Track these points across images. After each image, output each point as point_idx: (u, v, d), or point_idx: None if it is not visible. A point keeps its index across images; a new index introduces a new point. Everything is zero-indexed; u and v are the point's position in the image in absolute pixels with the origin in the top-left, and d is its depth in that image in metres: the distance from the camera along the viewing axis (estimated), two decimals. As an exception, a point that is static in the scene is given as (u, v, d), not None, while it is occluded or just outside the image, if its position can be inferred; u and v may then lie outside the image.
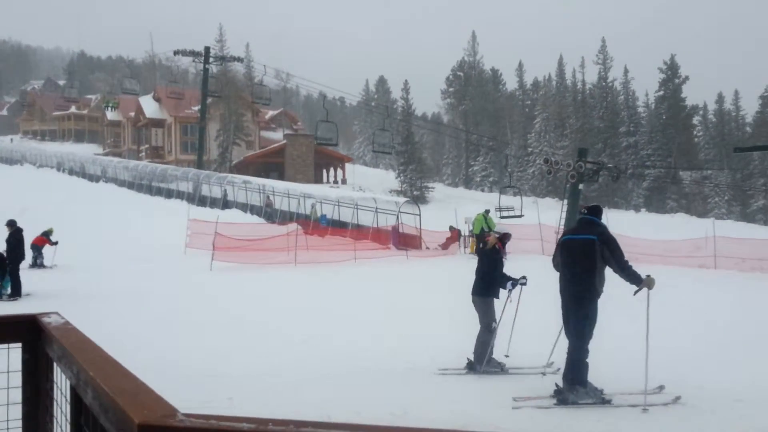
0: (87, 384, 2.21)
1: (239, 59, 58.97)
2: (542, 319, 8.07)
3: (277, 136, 68.30)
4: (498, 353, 7.70)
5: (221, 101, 60.33)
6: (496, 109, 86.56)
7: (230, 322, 10.48)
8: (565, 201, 25.71)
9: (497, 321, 7.80)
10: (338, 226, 30.98)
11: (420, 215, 27.87)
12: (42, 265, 19.19)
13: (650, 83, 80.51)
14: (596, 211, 6.85)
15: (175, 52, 53.43)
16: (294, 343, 8.97)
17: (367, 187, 54.31)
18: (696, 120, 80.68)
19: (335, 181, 61.42)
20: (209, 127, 58.22)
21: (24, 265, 17.85)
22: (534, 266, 20.30)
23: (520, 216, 24.95)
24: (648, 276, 6.38)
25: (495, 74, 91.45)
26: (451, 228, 26.63)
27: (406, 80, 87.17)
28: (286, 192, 36.67)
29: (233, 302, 12.99)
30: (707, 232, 21.23)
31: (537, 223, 24.44)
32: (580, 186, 25.58)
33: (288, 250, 20.84)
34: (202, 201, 41.76)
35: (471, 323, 9.77)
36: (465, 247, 26.09)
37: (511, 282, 7.87)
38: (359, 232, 28.55)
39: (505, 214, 24.73)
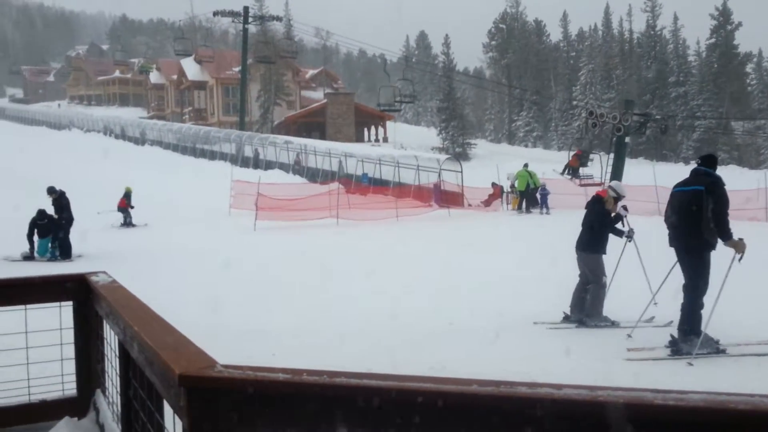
0: (133, 339, 2.31)
1: (278, 18, 58.74)
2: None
3: (318, 95, 68.12)
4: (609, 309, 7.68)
5: (262, 62, 60.31)
6: (540, 61, 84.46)
7: (274, 281, 10.67)
8: (611, 155, 25.19)
9: (607, 276, 7.73)
10: (380, 185, 30.99)
11: (462, 172, 27.66)
12: (131, 224, 20.27)
13: (701, 31, 77.24)
14: (710, 161, 6.59)
15: (215, 13, 53.53)
16: (335, 300, 9.09)
17: (408, 144, 54.01)
18: (749, 68, 77.43)
19: (376, 140, 61.23)
20: (250, 88, 58.41)
21: (116, 224, 19.90)
22: (577, 220, 20.13)
23: (601, 184, 23.40)
24: (741, 239, 6.20)
25: (539, 25, 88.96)
26: (494, 184, 26.39)
27: (446, 35, 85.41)
28: (327, 151, 36.75)
29: (277, 261, 13.19)
30: (759, 184, 20.59)
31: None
32: (627, 139, 25.00)
33: (330, 209, 20.99)
34: (244, 162, 42.18)
35: (512, 281, 9.76)
36: (507, 204, 25.86)
37: (626, 235, 7.71)
38: (401, 190, 28.52)
39: (586, 182, 23.74)
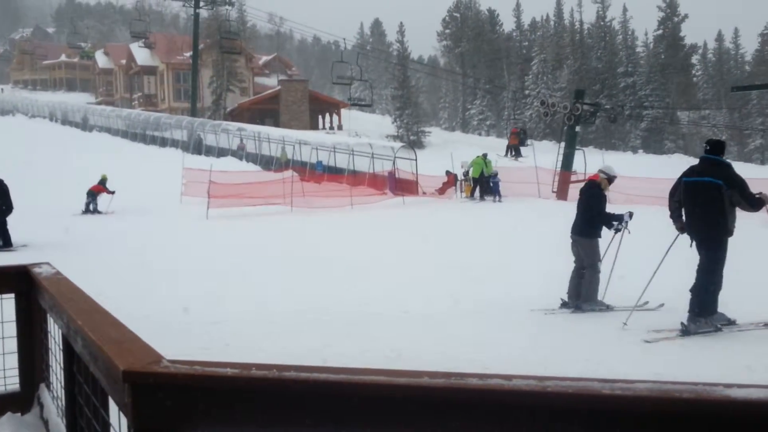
0: (77, 333, 2.23)
1: (231, 3, 57.72)
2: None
3: (272, 82, 67.41)
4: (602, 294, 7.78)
5: (214, 47, 59.24)
6: (493, 51, 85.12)
7: (227, 270, 10.54)
8: (562, 143, 25.58)
9: (602, 259, 7.81)
10: (334, 173, 30.87)
11: (416, 160, 27.76)
12: (96, 211, 20.01)
13: (649, 22, 79.15)
14: (719, 149, 6.63)
15: (165, -3, 52.26)
16: (291, 289, 9.04)
17: (363, 132, 53.89)
18: (695, 59, 79.62)
19: (331, 127, 60.92)
20: (202, 74, 57.40)
21: (77, 211, 19.57)
22: (529, 208, 20.50)
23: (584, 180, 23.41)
24: (761, 193, 6.45)
25: (492, 15, 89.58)
26: (448, 172, 26.55)
27: (401, 23, 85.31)
28: (281, 139, 36.41)
29: (230, 250, 13.03)
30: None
31: (533, 165, 24.34)
32: (577, 128, 25.41)
33: (284, 197, 20.83)
34: (196, 149, 41.49)
35: (466, 266, 9.85)
36: (461, 192, 26.07)
37: (618, 221, 7.75)
38: (355, 178, 28.48)
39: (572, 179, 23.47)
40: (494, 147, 43.51)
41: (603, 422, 1.24)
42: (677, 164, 27.79)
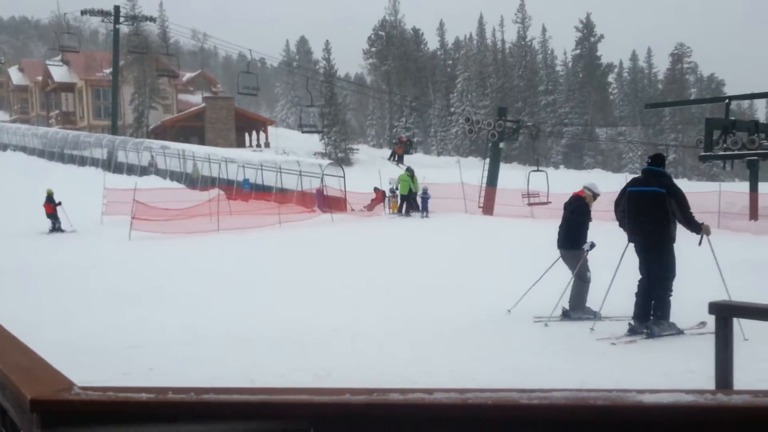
0: (-19, 361, 2.11)
1: (152, 19, 56.52)
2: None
3: (196, 99, 66.17)
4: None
5: (135, 63, 57.82)
6: (419, 69, 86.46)
7: (151, 293, 10.21)
8: (487, 160, 26.15)
9: (590, 270, 8.04)
10: (262, 191, 30.54)
11: (344, 177, 27.79)
12: (60, 230, 20.12)
13: (568, 42, 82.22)
14: (660, 161, 7.10)
15: (83, 12, 50.68)
16: (216, 311, 8.84)
17: (290, 149, 53.63)
18: (611, 78, 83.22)
19: (258, 145, 60.30)
20: (123, 91, 55.90)
21: (45, 230, 19.65)
22: (458, 223, 20.82)
23: (547, 203, 21.98)
24: (703, 223, 6.92)
25: (417, 34, 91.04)
26: (376, 189, 26.71)
27: (327, 40, 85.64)
28: (207, 157, 35.78)
29: (154, 272, 12.65)
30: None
31: (459, 182, 24.77)
32: (501, 144, 26.05)
33: (210, 216, 20.44)
34: (118, 168, 40.27)
35: (395, 284, 9.89)
36: (388, 208, 26.25)
37: (589, 244, 8.03)
38: (284, 195, 28.25)
39: (533, 200, 22.59)
40: (422, 163, 44.11)
41: (522, 431, 1.26)
42: (597, 179, 28.82)
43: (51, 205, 20.40)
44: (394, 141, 33.20)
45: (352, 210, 26.12)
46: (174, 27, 69.85)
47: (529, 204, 22.43)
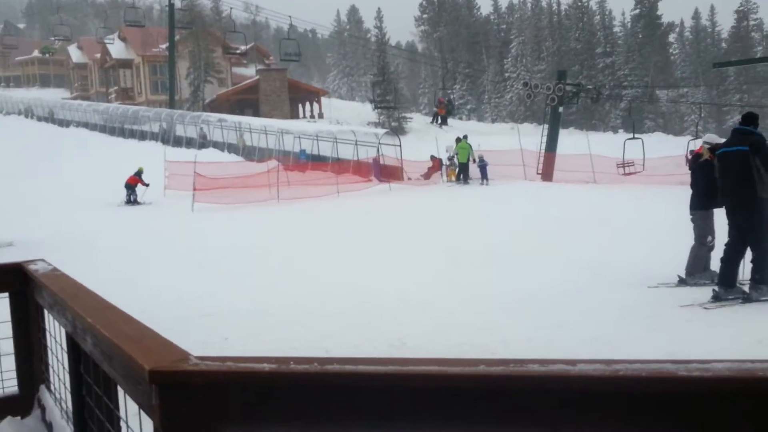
0: (86, 331, 2.10)
1: (206, -8, 56.90)
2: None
3: (250, 71, 66.63)
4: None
5: (190, 38, 58.51)
6: (471, 35, 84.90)
7: (218, 262, 10.39)
8: (545, 125, 25.59)
9: (714, 234, 7.75)
10: (318, 161, 30.66)
11: (401, 146, 27.63)
12: (136, 202, 21.02)
13: (626, 2, 79.28)
14: (750, 120, 6.93)
15: (138, -12, 51.36)
16: (283, 280, 8.91)
17: (344, 120, 53.56)
18: (672, 38, 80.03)
19: (312, 116, 60.48)
20: (179, 66, 56.68)
21: (119, 202, 20.49)
22: (517, 191, 20.48)
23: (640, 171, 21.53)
24: None
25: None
26: (433, 157, 26.48)
27: (378, 8, 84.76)
28: (263, 128, 36.07)
29: (219, 242, 12.86)
30: (687, 150, 21.30)
31: (518, 148, 24.32)
32: (560, 109, 25.41)
33: (269, 187, 20.63)
34: (177, 141, 41.02)
35: (461, 251, 9.78)
36: (446, 176, 26.00)
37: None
38: (340, 165, 28.30)
39: (629, 170, 21.77)
40: (476, 131, 43.47)
41: (686, 406, 1.15)
42: (657, 143, 27.88)
43: (137, 179, 21.36)
44: (434, 105, 33.26)
45: (409, 179, 26.00)
46: (227, 0, 70.11)
47: (625, 174, 21.43)
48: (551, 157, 24.12)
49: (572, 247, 10.37)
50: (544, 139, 24.46)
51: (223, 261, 10.61)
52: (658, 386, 1.17)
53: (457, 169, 25.00)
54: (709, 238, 7.76)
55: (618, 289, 7.39)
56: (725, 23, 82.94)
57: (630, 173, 21.41)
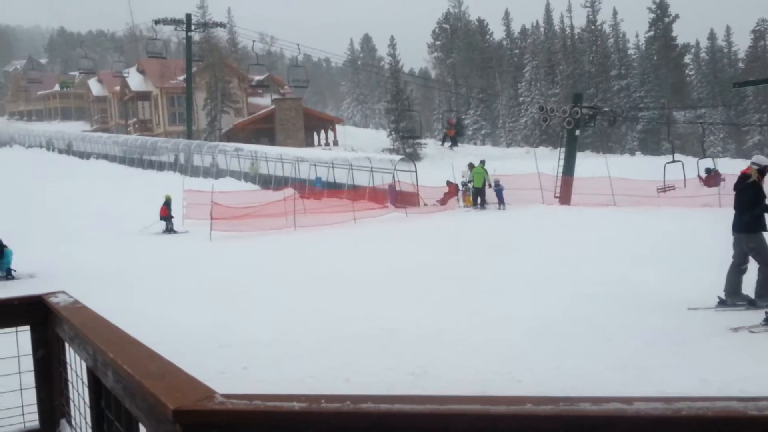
0: (107, 366, 2.03)
1: (222, 25, 57.93)
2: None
3: (265, 101, 67.32)
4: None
5: (207, 69, 59.34)
6: (485, 60, 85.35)
7: (236, 292, 10.34)
8: (561, 149, 25.46)
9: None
10: (334, 188, 30.71)
11: (416, 172, 27.62)
12: (173, 230, 21.34)
13: (640, 24, 79.52)
14: None
15: (156, 21, 52.30)
16: (302, 308, 8.83)
17: (359, 147, 53.83)
18: (688, 58, 79.89)
19: (327, 143, 60.82)
20: (196, 97, 57.42)
21: (159, 230, 21.15)
22: (535, 215, 20.34)
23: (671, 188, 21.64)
24: None
25: (481, 24, 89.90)
26: (449, 182, 26.41)
27: (392, 36, 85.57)
28: (279, 157, 36.29)
29: (237, 271, 12.83)
30: (696, 170, 21.20)
31: (535, 172, 24.19)
32: (577, 132, 25.29)
33: (286, 215, 20.65)
34: (194, 171, 41.37)
35: (480, 278, 9.65)
36: (462, 201, 25.88)
37: None
38: (356, 192, 28.31)
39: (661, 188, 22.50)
40: (491, 155, 43.45)
41: (758, 451, 1.05)
42: (676, 164, 27.66)
43: (167, 208, 21.71)
44: (444, 126, 33.68)
45: (425, 204, 25.92)
46: (242, 31, 71.31)
47: (659, 191, 21.28)
48: (569, 180, 23.96)
49: (594, 271, 10.21)
50: (561, 162, 24.32)
51: (241, 289, 10.56)
52: (727, 427, 1.07)
53: (472, 195, 24.88)
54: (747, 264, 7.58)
55: (643, 314, 7.22)
56: (742, 43, 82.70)
57: (663, 189, 21.28)
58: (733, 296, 7.49)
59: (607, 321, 6.95)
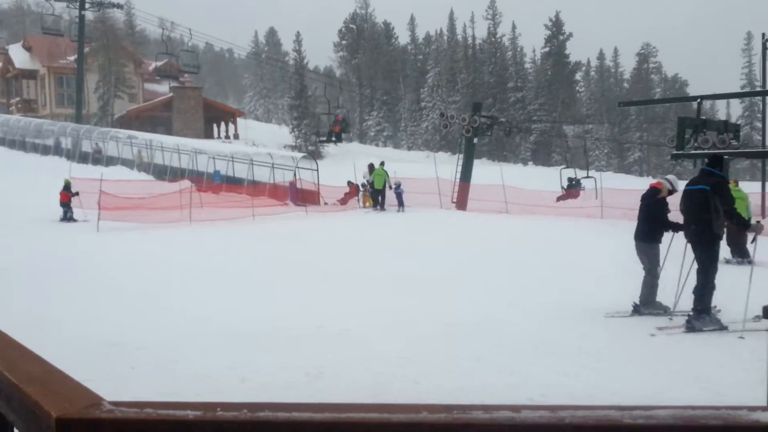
0: (-19, 369, 1.91)
1: (119, 5, 55.35)
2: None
3: (163, 88, 65.02)
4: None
5: (101, 51, 56.64)
6: (389, 63, 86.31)
7: (125, 287, 9.91)
8: (460, 155, 26.15)
9: (661, 266, 8.09)
10: (233, 183, 30.11)
11: (318, 170, 27.54)
12: (72, 219, 20.05)
13: (537, 40, 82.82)
14: (716, 162, 7.44)
15: (47, -3, 49.40)
16: (195, 305, 8.59)
17: (260, 142, 53.06)
18: (579, 76, 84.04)
19: (227, 136, 59.55)
20: (87, 79, 54.68)
21: (55, 219, 19.66)
22: (432, 218, 20.77)
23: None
24: (758, 222, 7.28)
25: (387, 28, 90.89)
26: (350, 183, 26.51)
27: (298, 32, 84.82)
28: (175, 147, 35.14)
29: (127, 266, 12.30)
30: (592, 184, 22.33)
31: (434, 177, 24.71)
32: (475, 140, 26.05)
33: (182, 208, 20.04)
34: (83, 158, 39.38)
35: (381, 278, 9.76)
36: (362, 202, 26.04)
37: (679, 229, 8.04)
38: (256, 188, 27.88)
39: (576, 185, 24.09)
40: (392, 158, 44.05)
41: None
42: (565, 176, 29.04)
43: (68, 194, 20.46)
44: (331, 122, 34.68)
45: (326, 203, 25.91)
46: (141, 14, 68.54)
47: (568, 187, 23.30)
48: (466, 186, 24.64)
49: (490, 276, 10.55)
50: (459, 168, 24.98)
51: (129, 284, 10.13)
52: (604, 434, 1.15)
53: (371, 196, 25.09)
54: (659, 268, 8.15)
55: (533, 320, 7.54)
56: (627, 65, 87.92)
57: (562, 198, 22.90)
58: (648, 304, 8.03)
59: (500, 326, 7.19)
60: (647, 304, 8.01)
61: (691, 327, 7.08)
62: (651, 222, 8.14)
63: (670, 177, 8.68)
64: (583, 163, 66.87)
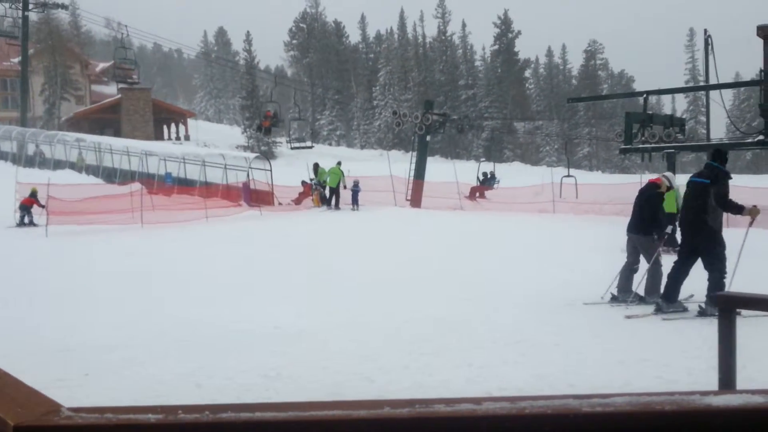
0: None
1: (64, 6, 53.91)
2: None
3: (111, 90, 63.59)
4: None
5: (45, 52, 55.08)
6: (341, 62, 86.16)
7: (76, 292, 9.67)
8: (413, 153, 26.28)
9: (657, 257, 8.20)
10: (185, 185, 29.66)
11: (271, 170, 27.33)
12: (32, 223, 19.82)
13: (486, 38, 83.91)
14: (717, 156, 7.60)
15: (-13, -4, 47.79)
16: (148, 310, 8.44)
17: (212, 143, 52.39)
18: (528, 73, 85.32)
19: (177, 138, 58.62)
20: (33, 81, 53.14)
21: (11, 223, 19.31)
22: (388, 216, 20.82)
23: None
24: (754, 206, 7.36)
25: (338, 26, 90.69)
26: (304, 182, 26.40)
27: (248, 31, 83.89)
28: (125, 150, 34.42)
29: (76, 270, 12.02)
30: (543, 179, 22.70)
31: (388, 174, 24.78)
32: (428, 137, 26.21)
33: (132, 211, 19.66)
34: (29, 161, 38.28)
35: (335, 277, 9.75)
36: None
37: (672, 228, 8.33)
38: (208, 189, 27.52)
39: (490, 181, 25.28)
40: (346, 156, 43.99)
41: (587, 443, 1.17)
42: (516, 172, 29.60)
43: (33, 200, 20.20)
44: (262, 117, 35.31)
45: (280, 204, 25.74)
46: (86, 14, 67.01)
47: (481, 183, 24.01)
48: (420, 184, 24.79)
49: (447, 272, 10.64)
50: (413, 166, 25.11)
51: (83, 290, 9.90)
52: (563, 423, 1.18)
53: (327, 194, 25.01)
54: (660, 258, 8.29)
55: (492, 313, 7.64)
56: (575, 61, 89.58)
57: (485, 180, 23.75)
58: (624, 293, 8.21)
59: (460, 321, 7.27)
60: (654, 293, 8.11)
61: (703, 312, 7.30)
62: (649, 215, 8.29)
63: (668, 174, 8.99)
64: (535, 159, 68.01)
